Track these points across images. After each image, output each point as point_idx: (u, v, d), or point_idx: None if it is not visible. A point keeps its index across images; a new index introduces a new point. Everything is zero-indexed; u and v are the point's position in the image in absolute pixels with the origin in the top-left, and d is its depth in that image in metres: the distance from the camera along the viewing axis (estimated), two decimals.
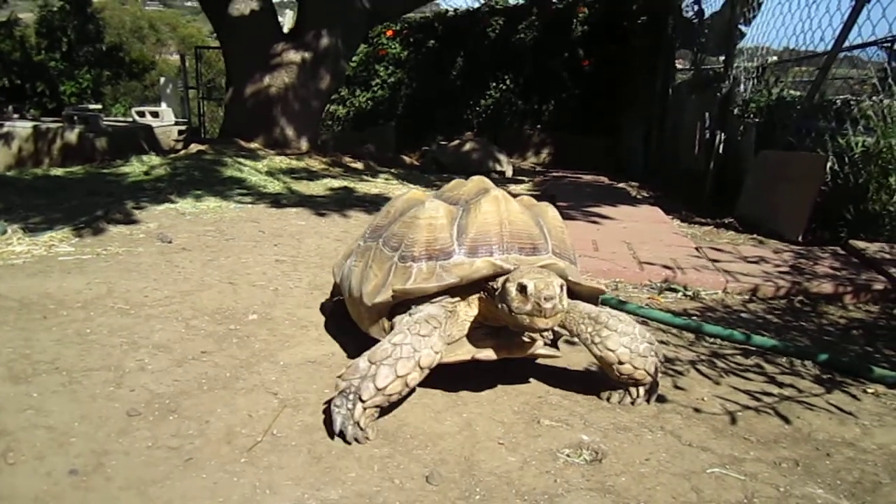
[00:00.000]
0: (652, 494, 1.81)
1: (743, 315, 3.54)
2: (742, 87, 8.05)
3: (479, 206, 2.37)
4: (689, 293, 3.84)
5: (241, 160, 7.87)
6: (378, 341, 2.14)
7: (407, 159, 11.69)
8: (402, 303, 2.32)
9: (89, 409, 2.12)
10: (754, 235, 5.58)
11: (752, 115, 7.65)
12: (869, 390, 2.62)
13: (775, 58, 8.47)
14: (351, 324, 2.68)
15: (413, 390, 2.11)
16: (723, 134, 7.63)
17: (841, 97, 6.42)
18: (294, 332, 2.91)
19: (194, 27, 42.49)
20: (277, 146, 9.30)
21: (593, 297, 2.52)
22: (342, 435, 1.99)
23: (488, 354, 2.28)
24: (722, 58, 8.47)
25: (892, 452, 2.13)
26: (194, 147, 8.81)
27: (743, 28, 8.50)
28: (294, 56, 9.47)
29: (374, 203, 6.32)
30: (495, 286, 2.19)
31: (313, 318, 3.10)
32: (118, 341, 2.69)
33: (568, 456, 1.99)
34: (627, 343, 2.25)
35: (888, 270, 4.07)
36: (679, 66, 10.82)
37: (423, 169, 10.59)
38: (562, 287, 2.03)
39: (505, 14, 13.87)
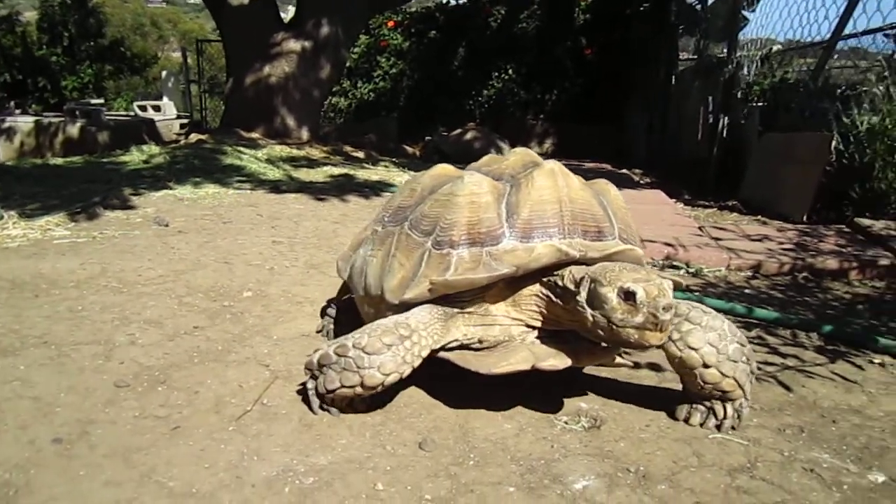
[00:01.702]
0: (652, 459, 1.76)
1: (746, 291, 3.48)
2: (745, 70, 7.97)
3: (532, 180, 1.95)
4: (692, 270, 3.78)
5: (241, 149, 7.82)
6: None
7: (409, 149, 11.64)
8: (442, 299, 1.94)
9: (76, 381, 2.08)
10: (759, 216, 5.52)
11: (755, 99, 7.58)
12: (875, 360, 2.56)
13: (779, 46, 8.40)
14: (349, 303, 2.60)
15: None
16: (726, 118, 7.56)
17: (847, 82, 6.36)
18: (289, 308, 2.87)
19: (196, 23, 42.57)
20: (278, 136, 9.26)
21: None
22: (325, 410, 1.92)
23: (553, 364, 1.85)
24: (725, 43, 8.40)
25: None
26: (194, 137, 8.78)
27: (746, 13, 8.44)
28: (294, 45, 9.42)
29: (374, 189, 6.26)
30: (556, 280, 1.86)
31: (309, 294, 3.05)
32: (109, 317, 2.65)
33: (566, 423, 1.94)
34: (714, 341, 1.83)
35: (894, 247, 4.01)
36: (682, 57, 10.75)
37: (426, 158, 10.54)
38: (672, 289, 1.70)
39: (507, 3, 13.80)
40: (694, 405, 1.97)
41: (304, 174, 6.99)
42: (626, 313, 1.67)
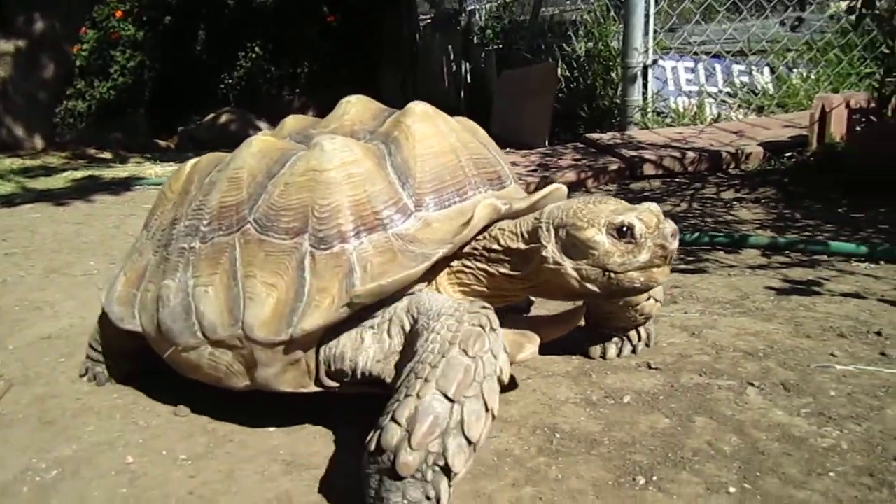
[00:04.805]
0: None
1: None
2: (478, 16, 8.36)
3: (411, 130, 1.58)
4: None
5: None
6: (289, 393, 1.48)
7: (162, 143, 11.03)
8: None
9: None
10: (508, 149, 5.84)
11: (491, 42, 7.99)
12: None
13: None
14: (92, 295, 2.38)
15: None
16: (468, 63, 7.91)
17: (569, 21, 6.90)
18: (25, 316, 2.62)
19: None
20: (7, 149, 8.42)
21: None
22: None
23: (533, 351, 1.51)
24: None
25: None
26: None
27: None
28: (6, 46, 8.59)
29: (124, 185, 5.88)
30: (488, 245, 1.52)
31: (48, 298, 2.81)
32: None
33: None
34: None
35: (621, 153, 4.43)
36: (423, 15, 11.05)
37: (181, 149, 10.07)
38: None
39: None
40: (612, 340, 1.86)
41: (42, 183, 6.38)
42: (627, 254, 1.35)
